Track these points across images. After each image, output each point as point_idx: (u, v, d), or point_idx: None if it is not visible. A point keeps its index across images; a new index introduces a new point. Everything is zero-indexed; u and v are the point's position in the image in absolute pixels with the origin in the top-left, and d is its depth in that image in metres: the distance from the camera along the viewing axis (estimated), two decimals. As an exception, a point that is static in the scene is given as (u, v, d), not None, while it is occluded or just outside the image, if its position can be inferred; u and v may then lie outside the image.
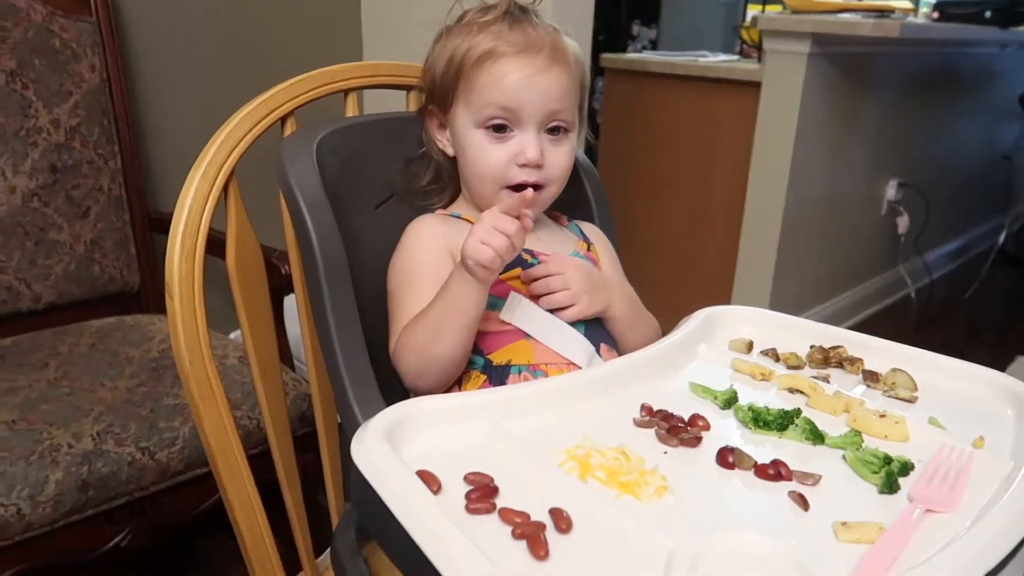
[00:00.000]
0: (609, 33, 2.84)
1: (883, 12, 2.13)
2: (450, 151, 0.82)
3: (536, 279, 0.77)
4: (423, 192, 0.84)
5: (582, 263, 0.79)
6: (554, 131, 0.77)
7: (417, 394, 0.70)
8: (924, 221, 2.82)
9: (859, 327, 0.85)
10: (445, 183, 0.85)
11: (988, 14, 2.42)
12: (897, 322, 2.78)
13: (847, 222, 2.57)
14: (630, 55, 2.65)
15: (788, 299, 2.33)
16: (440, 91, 0.79)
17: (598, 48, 2.52)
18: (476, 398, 0.64)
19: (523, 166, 0.76)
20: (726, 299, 2.33)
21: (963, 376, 0.74)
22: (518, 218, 0.68)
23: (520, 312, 0.76)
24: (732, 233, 2.32)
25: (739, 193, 2.28)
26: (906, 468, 0.59)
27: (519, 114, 0.75)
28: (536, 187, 0.77)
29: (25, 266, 1.35)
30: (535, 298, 0.77)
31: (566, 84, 0.77)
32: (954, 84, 2.95)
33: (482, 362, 0.75)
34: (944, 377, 0.74)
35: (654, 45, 3.18)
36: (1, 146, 1.32)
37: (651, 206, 2.49)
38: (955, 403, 0.70)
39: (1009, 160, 3.53)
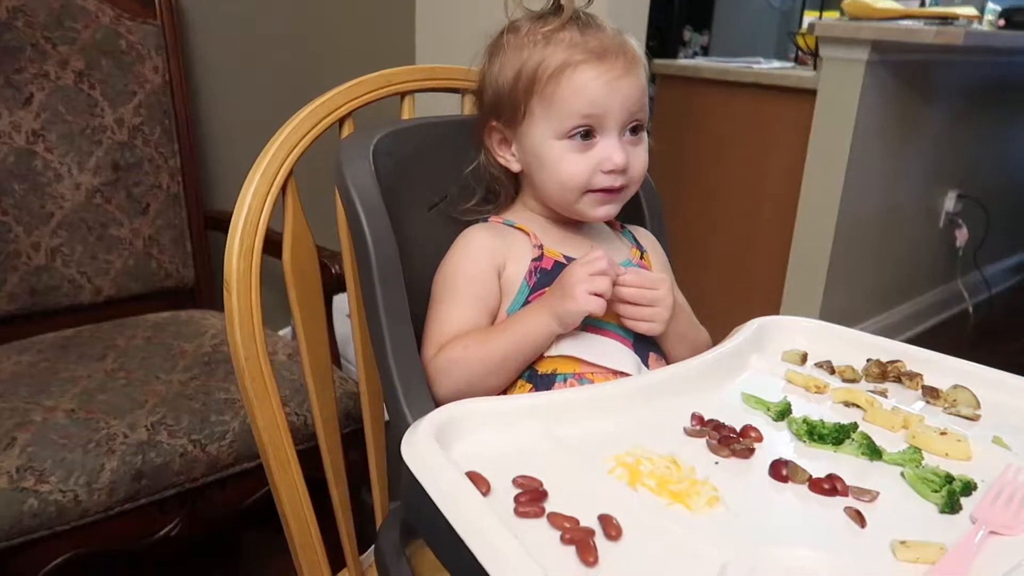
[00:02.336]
0: (660, 39, 2.81)
1: (946, 19, 2.07)
2: (515, 167, 0.80)
3: (629, 285, 0.74)
4: (474, 209, 0.83)
5: (670, 283, 0.77)
6: (633, 131, 0.77)
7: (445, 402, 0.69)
8: (984, 234, 2.74)
9: (913, 341, 0.83)
10: (499, 197, 0.84)
11: (1057, 22, 2.33)
12: (953, 337, 2.70)
13: (903, 234, 2.50)
14: (682, 61, 2.63)
15: (839, 311, 2.28)
16: (507, 107, 0.77)
17: (649, 54, 2.50)
18: (526, 401, 0.64)
19: (609, 172, 0.75)
20: (775, 309, 2.29)
21: (1029, 395, 0.71)
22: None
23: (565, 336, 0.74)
24: (783, 243, 2.28)
25: (791, 202, 2.24)
26: (968, 488, 0.57)
27: (603, 120, 0.74)
28: (619, 189, 0.77)
29: (87, 260, 1.39)
30: (611, 301, 0.73)
31: (643, 85, 0.76)
32: (1019, 93, 2.85)
33: (527, 372, 0.75)
34: (1009, 395, 0.71)
35: (706, 51, 3.15)
36: (68, 144, 1.36)
37: (701, 214, 2.47)
38: (1021, 422, 0.68)
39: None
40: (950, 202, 2.63)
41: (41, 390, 1.12)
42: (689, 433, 0.63)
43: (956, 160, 2.60)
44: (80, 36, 1.38)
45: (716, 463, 0.59)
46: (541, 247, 0.79)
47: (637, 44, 0.78)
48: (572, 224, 0.82)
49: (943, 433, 0.63)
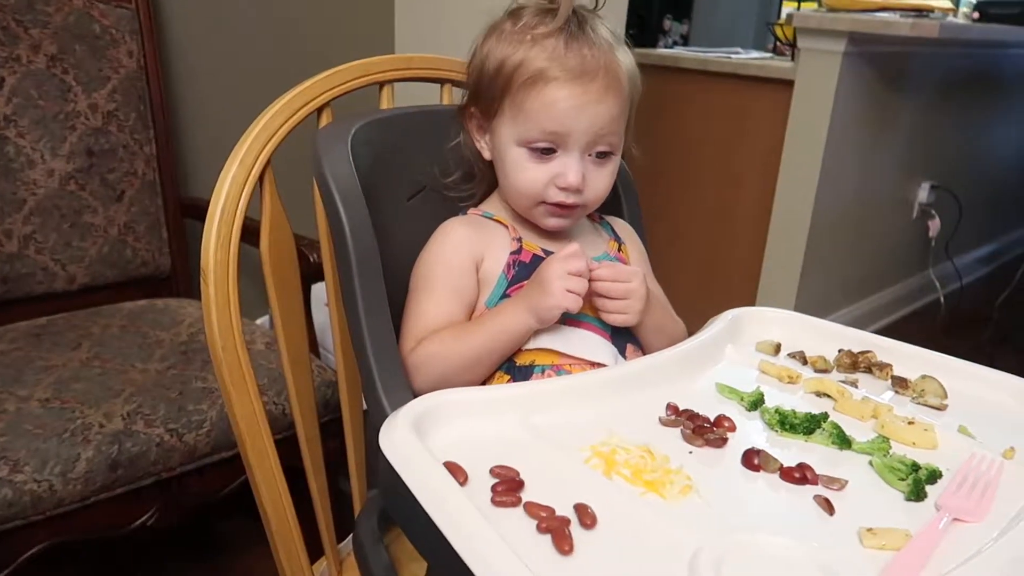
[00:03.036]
0: (641, 27, 2.82)
1: (922, 11, 2.09)
2: (487, 155, 0.80)
3: (603, 280, 0.74)
4: (453, 185, 0.84)
5: (643, 275, 0.77)
6: (599, 154, 0.76)
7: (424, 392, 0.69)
8: (956, 225, 2.78)
9: (886, 331, 0.85)
10: (476, 180, 0.84)
11: (1030, 15, 2.37)
12: (925, 327, 2.75)
13: (877, 224, 2.54)
14: (661, 50, 2.64)
15: (814, 301, 2.31)
16: (485, 98, 0.77)
17: (630, 43, 2.50)
18: (503, 392, 0.64)
19: (563, 189, 0.75)
20: (751, 300, 2.31)
21: (995, 385, 0.73)
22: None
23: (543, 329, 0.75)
24: (759, 233, 2.30)
25: (768, 193, 2.26)
26: (934, 476, 0.58)
27: (565, 138, 0.73)
28: (571, 206, 0.77)
29: (60, 247, 1.38)
30: (587, 295, 0.73)
31: (617, 110, 0.75)
32: (993, 86, 2.89)
33: (505, 364, 0.75)
34: (975, 385, 0.73)
35: (685, 40, 3.15)
36: (41, 129, 1.34)
37: (678, 204, 2.48)
38: (986, 412, 0.69)
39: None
40: (923, 193, 2.67)
41: (15, 379, 1.11)
42: (664, 423, 0.64)
43: (930, 151, 2.64)
44: (52, 19, 1.36)
45: (690, 452, 0.60)
46: (520, 240, 0.79)
47: (627, 59, 0.76)
48: None
49: (911, 423, 0.65)
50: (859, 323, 2.47)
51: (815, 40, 2.08)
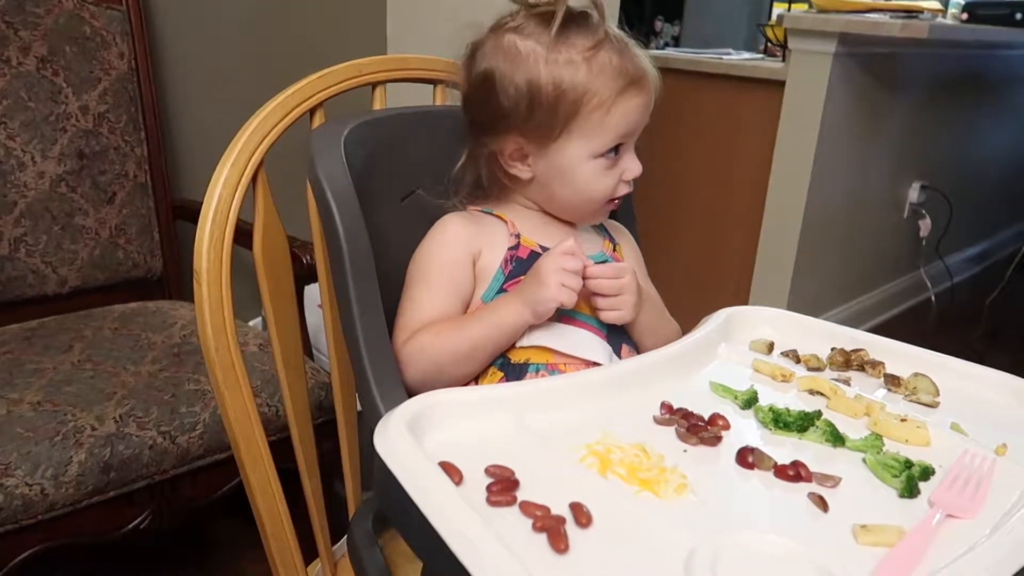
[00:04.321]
0: (632, 28, 2.83)
1: (911, 12, 2.11)
2: (526, 176, 0.79)
3: (597, 277, 0.75)
4: (462, 195, 0.83)
5: (633, 270, 0.79)
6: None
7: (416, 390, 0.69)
8: (947, 224, 2.80)
9: (877, 330, 0.85)
10: (486, 190, 0.83)
11: (1019, 16, 2.38)
12: (916, 326, 2.76)
13: (868, 224, 2.55)
14: (653, 52, 2.64)
15: (807, 300, 2.32)
16: (542, 126, 0.75)
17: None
18: (498, 391, 0.64)
19: (626, 181, 0.79)
20: (744, 299, 2.32)
21: (987, 383, 0.73)
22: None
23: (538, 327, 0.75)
24: (752, 233, 2.30)
25: (760, 193, 2.26)
26: (927, 473, 0.59)
27: (631, 137, 0.79)
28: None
29: (51, 250, 1.37)
30: (582, 293, 0.74)
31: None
32: (982, 87, 2.91)
33: (500, 359, 0.75)
34: (967, 383, 0.73)
35: (677, 41, 3.16)
36: (31, 132, 1.34)
37: (671, 204, 2.48)
38: (978, 409, 0.70)
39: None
40: (914, 193, 2.68)
41: (6, 382, 1.10)
42: (659, 422, 0.64)
43: (920, 151, 2.65)
44: (43, 21, 1.35)
45: (685, 451, 0.60)
46: (518, 236, 0.79)
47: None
48: (553, 216, 0.83)
49: (903, 420, 0.65)
50: (851, 322, 2.48)
51: (805, 41, 2.09)
